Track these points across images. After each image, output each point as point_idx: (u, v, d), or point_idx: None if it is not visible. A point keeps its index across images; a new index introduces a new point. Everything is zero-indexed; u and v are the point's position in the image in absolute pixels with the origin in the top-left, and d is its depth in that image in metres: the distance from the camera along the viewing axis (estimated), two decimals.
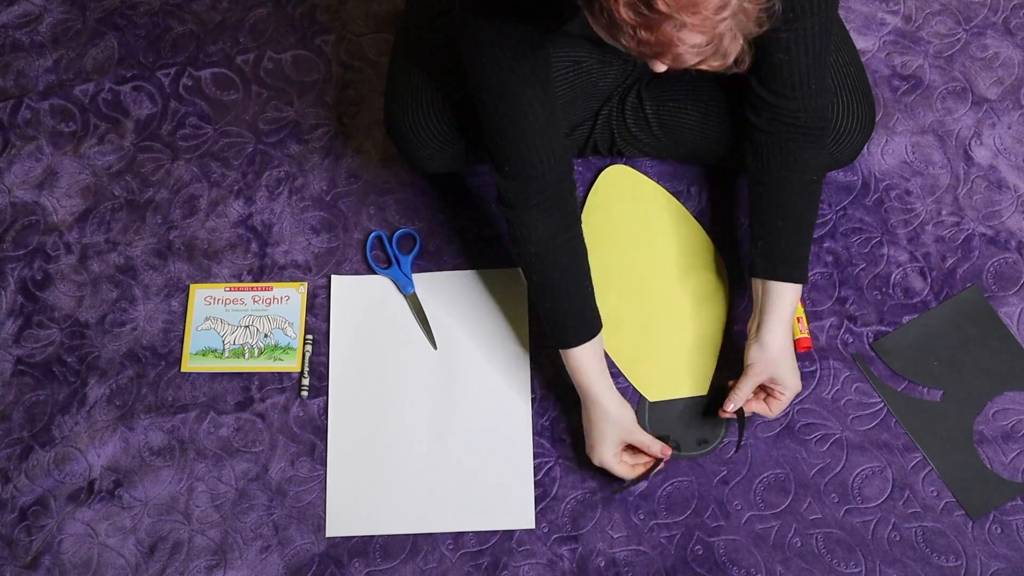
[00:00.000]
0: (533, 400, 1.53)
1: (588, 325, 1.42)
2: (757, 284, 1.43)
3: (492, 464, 1.49)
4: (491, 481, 1.49)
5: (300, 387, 1.56)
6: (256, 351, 1.59)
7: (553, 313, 1.42)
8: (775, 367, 1.40)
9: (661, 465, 1.43)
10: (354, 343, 1.57)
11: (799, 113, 1.37)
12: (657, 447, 1.41)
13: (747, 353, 1.42)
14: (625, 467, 1.42)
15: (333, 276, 1.61)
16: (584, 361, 1.41)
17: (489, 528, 1.46)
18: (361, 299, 1.60)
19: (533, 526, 1.46)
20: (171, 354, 1.60)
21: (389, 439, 1.52)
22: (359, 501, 1.48)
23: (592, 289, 1.44)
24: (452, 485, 1.49)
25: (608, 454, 1.41)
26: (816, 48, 1.31)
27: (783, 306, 1.41)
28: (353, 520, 1.48)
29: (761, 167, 1.42)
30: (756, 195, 1.44)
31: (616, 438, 1.41)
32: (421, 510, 1.48)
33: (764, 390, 1.44)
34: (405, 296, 1.59)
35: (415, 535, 1.47)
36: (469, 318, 1.57)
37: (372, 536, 1.48)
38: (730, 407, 1.42)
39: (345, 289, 1.61)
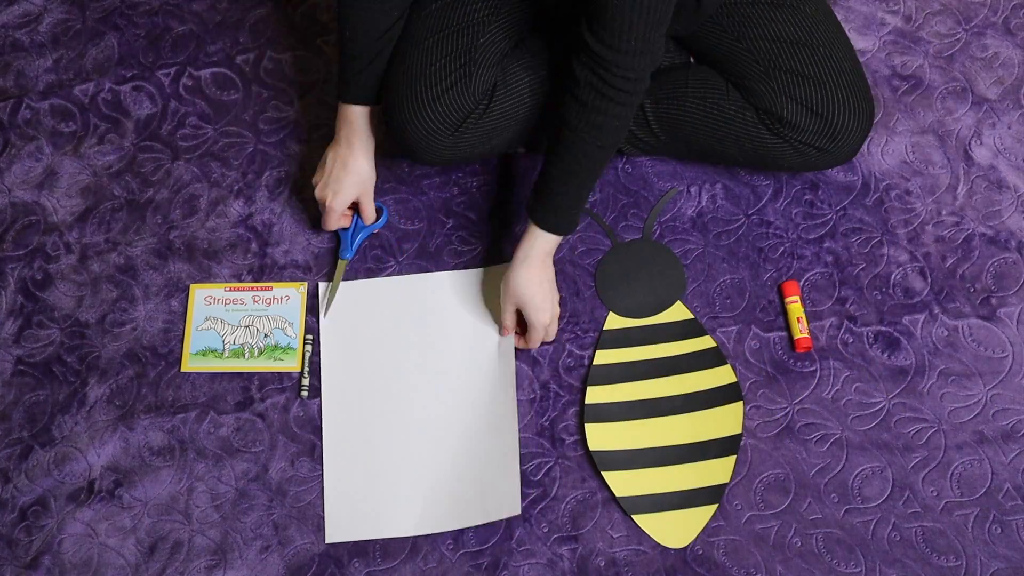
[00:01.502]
0: (533, 400, 1.53)
1: (373, 87, 1.53)
2: (527, 228, 1.49)
3: (480, 458, 1.49)
4: (480, 475, 1.49)
5: (300, 387, 1.56)
6: (256, 351, 1.59)
7: (355, 63, 1.51)
8: (518, 300, 1.49)
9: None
10: (343, 347, 1.58)
11: (614, 68, 1.33)
12: (371, 215, 1.60)
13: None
14: (345, 220, 1.61)
15: (320, 283, 1.62)
16: (365, 118, 1.54)
17: (480, 522, 1.46)
18: (347, 303, 1.60)
19: (519, 512, 1.45)
20: (171, 354, 1.60)
21: (382, 442, 1.52)
22: (356, 506, 1.48)
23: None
24: (445, 484, 1.49)
25: (342, 203, 1.56)
26: (645, 2, 1.28)
27: (531, 245, 1.47)
28: (351, 525, 1.48)
29: (565, 113, 1.40)
30: (550, 136, 1.46)
31: (355, 191, 1.57)
32: (419, 511, 1.48)
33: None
34: (339, 259, 1.62)
35: (415, 536, 1.47)
36: (459, 316, 1.58)
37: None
38: (503, 333, 1.54)
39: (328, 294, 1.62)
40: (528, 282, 1.47)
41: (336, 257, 1.62)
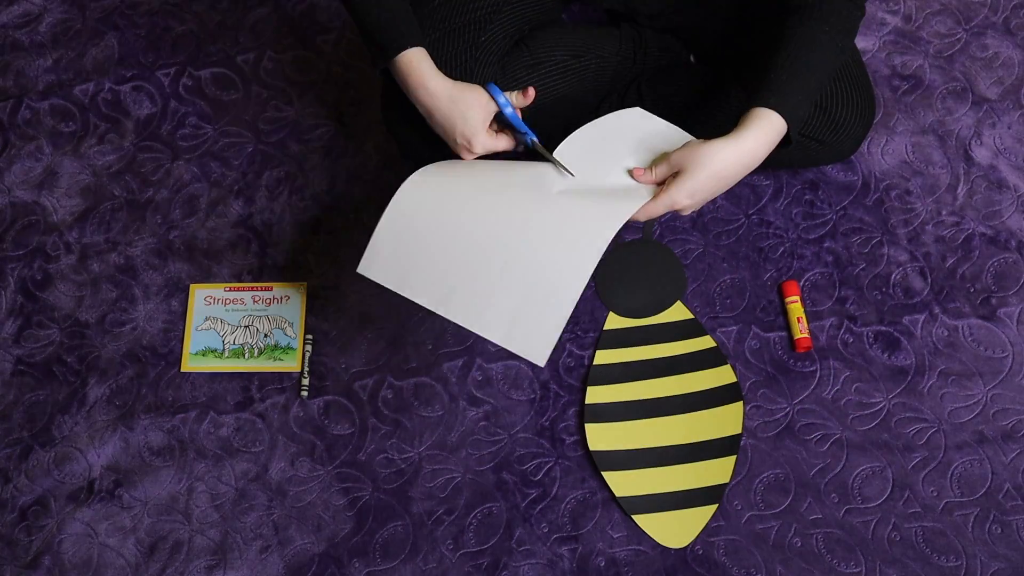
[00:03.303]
0: (533, 400, 1.53)
1: (417, 30, 1.38)
2: (743, 116, 1.30)
3: (534, 279, 1.30)
4: (524, 295, 1.29)
5: (300, 387, 1.56)
6: (256, 351, 1.59)
7: (384, 19, 1.37)
8: (695, 162, 1.28)
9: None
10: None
11: (827, 9, 1.31)
12: (517, 93, 1.37)
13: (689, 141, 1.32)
14: (502, 139, 1.38)
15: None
16: (423, 59, 1.37)
17: (498, 342, 1.29)
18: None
19: (542, 364, 1.26)
20: (171, 354, 1.60)
21: (455, 210, 1.32)
22: (400, 254, 1.31)
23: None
24: (490, 281, 1.30)
25: (483, 134, 1.36)
26: None
27: (753, 132, 1.27)
28: (386, 269, 1.32)
29: (782, 27, 1.34)
30: (779, 43, 1.34)
31: (483, 114, 1.36)
32: (451, 290, 1.30)
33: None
34: (531, 144, 1.40)
35: (414, 532, 1.47)
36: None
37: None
38: (641, 177, 1.33)
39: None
40: (719, 162, 1.27)
41: (529, 149, 1.42)
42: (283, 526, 1.49)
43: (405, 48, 1.37)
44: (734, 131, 1.29)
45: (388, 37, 1.38)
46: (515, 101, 1.40)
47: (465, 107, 1.36)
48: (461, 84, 1.38)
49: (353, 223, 1.66)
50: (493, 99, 1.38)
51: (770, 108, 1.28)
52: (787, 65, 1.30)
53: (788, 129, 1.29)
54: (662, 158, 1.33)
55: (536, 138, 1.38)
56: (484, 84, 1.40)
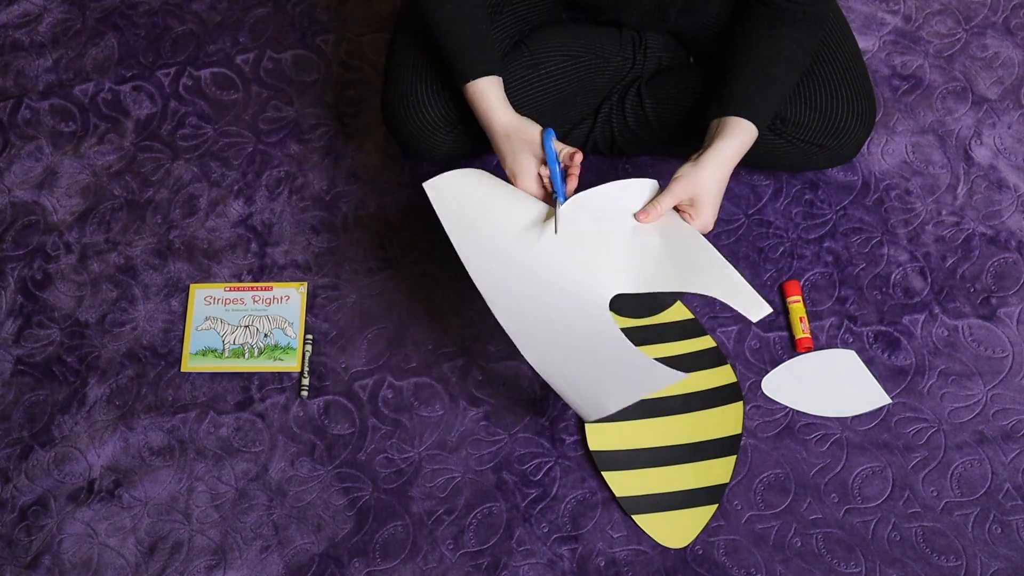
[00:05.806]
0: (533, 400, 1.53)
1: (492, 59, 1.43)
2: (712, 126, 1.40)
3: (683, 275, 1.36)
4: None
5: (300, 387, 1.56)
6: (256, 351, 1.59)
7: (461, 43, 1.41)
8: (699, 189, 1.36)
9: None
10: (479, 243, 1.37)
11: (796, 11, 1.38)
12: (567, 151, 1.40)
13: (678, 170, 1.38)
14: (543, 188, 1.42)
15: (425, 184, 1.40)
16: (491, 89, 1.42)
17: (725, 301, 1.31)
18: (462, 194, 1.41)
19: (769, 310, 1.30)
20: (171, 354, 1.60)
21: (577, 327, 1.33)
22: (596, 394, 1.29)
23: (492, 36, 1.44)
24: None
25: (530, 178, 1.41)
26: None
27: (732, 141, 1.37)
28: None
29: (746, 31, 1.41)
30: (733, 50, 1.42)
31: (531, 157, 1.41)
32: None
33: (678, 211, 1.40)
34: (556, 204, 1.40)
35: (414, 532, 1.47)
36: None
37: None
38: (647, 218, 1.38)
39: (444, 190, 1.41)
40: (716, 181, 1.36)
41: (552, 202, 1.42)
42: (283, 526, 1.49)
43: (476, 77, 1.41)
44: (715, 142, 1.37)
45: (462, 64, 1.42)
46: (563, 157, 1.41)
47: (518, 146, 1.41)
48: (520, 123, 1.42)
49: (353, 223, 1.66)
50: (543, 148, 1.40)
51: (743, 118, 1.37)
52: (756, 76, 1.39)
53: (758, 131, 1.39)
54: (662, 192, 1.38)
55: (564, 201, 1.40)
56: (543, 129, 1.42)
